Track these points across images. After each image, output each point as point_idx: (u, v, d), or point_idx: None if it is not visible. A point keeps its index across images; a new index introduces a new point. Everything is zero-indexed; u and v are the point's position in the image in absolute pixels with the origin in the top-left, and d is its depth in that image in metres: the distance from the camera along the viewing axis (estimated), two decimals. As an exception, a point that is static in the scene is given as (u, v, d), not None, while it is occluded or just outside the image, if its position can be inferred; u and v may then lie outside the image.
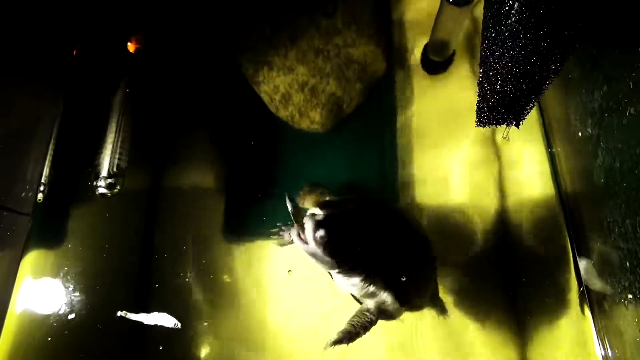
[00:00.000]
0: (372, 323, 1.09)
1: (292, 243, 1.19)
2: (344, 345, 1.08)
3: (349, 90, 1.48)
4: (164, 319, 1.25)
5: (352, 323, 1.09)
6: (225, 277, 1.33)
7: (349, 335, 1.08)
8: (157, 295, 1.31)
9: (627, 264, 1.01)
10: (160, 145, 1.52)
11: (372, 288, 1.04)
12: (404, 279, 1.04)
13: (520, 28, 0.91)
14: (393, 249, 1.06)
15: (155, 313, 1.25)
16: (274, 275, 1.31)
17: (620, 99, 0.98)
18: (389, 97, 1.53)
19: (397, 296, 1.04)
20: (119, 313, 1.26)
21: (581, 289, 1.24)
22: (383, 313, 1.08)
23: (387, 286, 1.03)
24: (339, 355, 1.23)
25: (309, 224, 0.92)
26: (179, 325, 1.25)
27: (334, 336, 1.07)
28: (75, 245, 1.37)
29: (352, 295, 1.15)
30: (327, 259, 0.95)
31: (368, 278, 1.03)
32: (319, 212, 0.95)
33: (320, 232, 0.90)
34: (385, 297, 1.05)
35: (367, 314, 1.08)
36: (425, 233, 1.25)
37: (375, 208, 1.18)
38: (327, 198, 1.27)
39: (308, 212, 0.99)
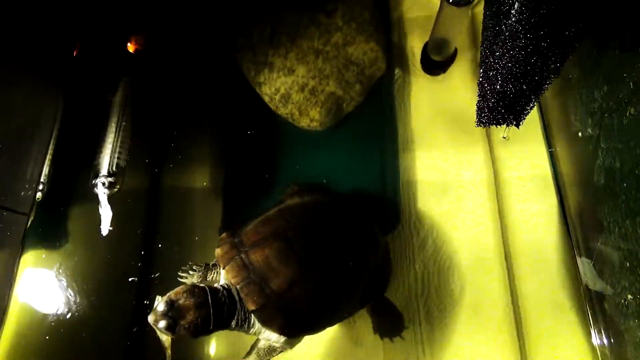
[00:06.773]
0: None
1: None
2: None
3: (349, 89, 1.48)
4: None
5: None
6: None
7: None
8: (156, 294, 1.30)
9: (627, 264, 1.01)
10: (160, 144, 1.52)
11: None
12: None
13: (520, 28, 0.91)
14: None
15: None
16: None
17: (620, 99, 0.98)
18: (389, 96, 1.52)
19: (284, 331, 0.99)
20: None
21: (581, 289, 1.23)
22: (274, 351, 1.05)
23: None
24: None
25: (149, 319, 0.91)
26: None
27: None
28: (74, 245, 1.37)
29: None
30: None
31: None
32: (162, 302, 0.94)
33: (162, 324, 0.90)
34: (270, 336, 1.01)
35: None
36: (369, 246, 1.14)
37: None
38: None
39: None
